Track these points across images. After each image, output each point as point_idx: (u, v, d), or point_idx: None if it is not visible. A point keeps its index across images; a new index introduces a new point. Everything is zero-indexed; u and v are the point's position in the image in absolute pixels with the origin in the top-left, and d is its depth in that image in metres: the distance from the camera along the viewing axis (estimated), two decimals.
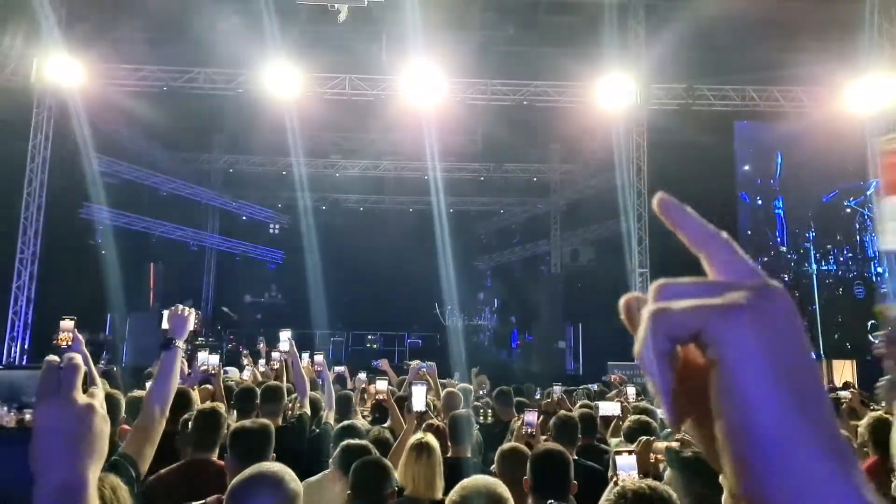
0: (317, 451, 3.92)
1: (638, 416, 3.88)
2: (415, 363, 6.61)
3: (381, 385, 4.38)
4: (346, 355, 15.00)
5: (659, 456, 2.92)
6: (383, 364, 6.96)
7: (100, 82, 13.02)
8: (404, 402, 4.45)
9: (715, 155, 14.91)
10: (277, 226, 17.91)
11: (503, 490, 1.91)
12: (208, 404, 3.51)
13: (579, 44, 14.91)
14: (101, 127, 14.30)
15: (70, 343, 3.23)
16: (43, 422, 0.91)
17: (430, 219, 18.31)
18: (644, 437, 3.09)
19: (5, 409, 1.06)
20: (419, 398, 3.71)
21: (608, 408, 4.45)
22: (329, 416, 4.41)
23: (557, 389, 6.24)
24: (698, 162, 13.26)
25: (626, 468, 2.55)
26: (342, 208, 18.33)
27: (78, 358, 0.97)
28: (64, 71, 12.21)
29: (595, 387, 8.46)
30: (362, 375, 6.16)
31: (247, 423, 2.90)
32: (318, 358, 5.59)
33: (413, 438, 2.96)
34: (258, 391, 4.64)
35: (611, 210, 15.08)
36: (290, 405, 4.61)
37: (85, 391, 0.97)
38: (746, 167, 16.10)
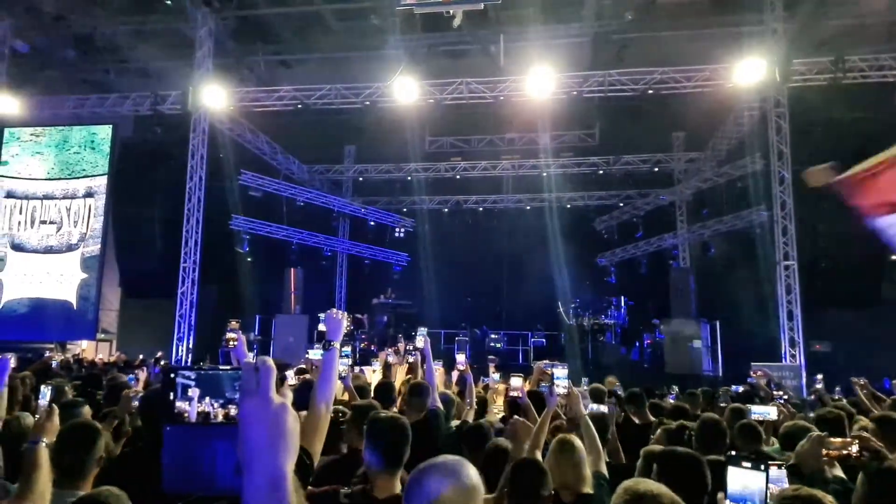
0: (453, 450, 3.97)
1: (795, 421, 3.57)
2: (542, 363, 6.56)
3: (517, 382, 4.27)
4: (469, 355, 15.19)
5: (832, 452, 2.70)
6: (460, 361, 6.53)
7: (243, 105, 14.23)
8: (536, 397, 4.41)
9: (875, 132, 13.37)
10: (402, 229, 18.55)
11: (675, 498, 1.77)
12: (362, 401, 3.65)
13: (705, 24, 14.05)
14: (245, 146, 15.65)
15: (235, 344, 3.57)
16: (247, 419, 1.00)
17: (549, 216, 18.13)
18: (816, 433, 2.86)
19: (214, 404, 1.23)
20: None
21: (762, 411, 4.04)
22: (469, 414, 4.47)
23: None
24: (853, 142, 11.94)
25: (776, 482, 2.37)
26: (463, 209, 18.62)
27: (270, 361, 1.07)
28: (213, 97, 13.47)
29: (739, 388, 7.89)
30: (495, 376, 6.21)
31: (381, 414, 2.96)
32: (461, 358, 5.69)
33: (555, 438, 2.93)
34: (395, 387, 4.84)
35: (746, 198, 14.09)
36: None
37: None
38: None
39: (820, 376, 8.19)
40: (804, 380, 11.27)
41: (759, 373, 9.16)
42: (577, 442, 2.92)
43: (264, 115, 14.73)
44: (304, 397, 2.34)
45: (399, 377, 6.23)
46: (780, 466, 2.49)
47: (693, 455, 2.58)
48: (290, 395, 1.06)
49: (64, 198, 14.69)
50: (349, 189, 19.32)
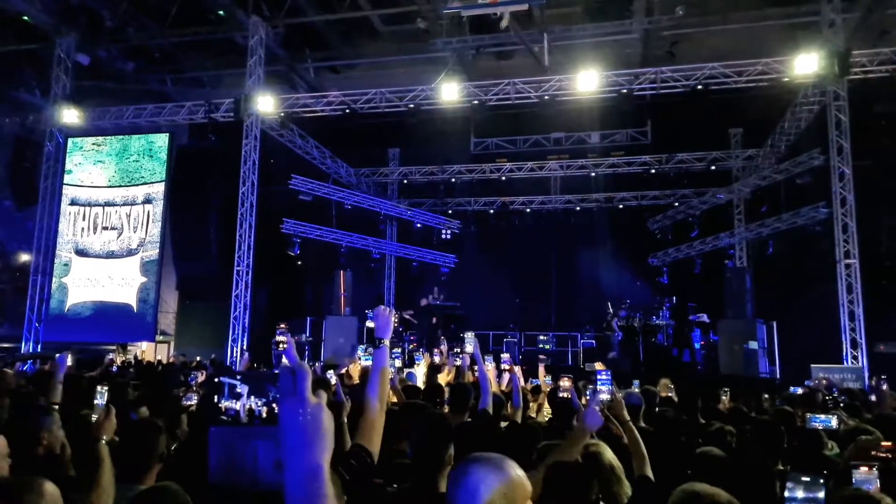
0: (503, 452, 3.93)
1: (857, 424, 3.41)
2: (598, 365, 6.47)
3: (566, 383, 4.11)
4: (518, 356, 15.11)
5: (880, 454, 2.57)
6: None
7: (293, 111, 14.57)
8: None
9: None
10: (449, 231, 18.63)
11: (732, 499, 1.72)
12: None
13: (758, 17, 13.62)
14: (295, 151, 16.02)
15: (286, 347, 3.69)
16: (286, 418, 1.09)
17: (599, 216, 17.88)
18: (863, 437, 2.74)
19: (258, 402, 1.28)
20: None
21: (823, 419, 3.79)
22: (517, 415, 4.44)
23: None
24: None
25: (863, 483, 2.25)
26: (509, 210, 18.57)
27: (306, 365, 1.14)
28: (264, 104, 13.84)
29: (799, 390, 7.59)
30: (547, 378, 6.13)
31: (425, 413, 2.95)
32: (506, 357, 5.68)
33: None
34: (444, 389, 4.88)
35: (806, 196, 13.58)
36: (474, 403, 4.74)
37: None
38: None
39: (884, 377, 7.83)
40: (867, 383, 10.79)
41: (822, 379, 8.80)
42: (605, 456, 2.81)
43: (313, 121, 15.05)
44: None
45: (443, 380, 6.27)
46: (871, 467, 2.33)
47: (710, 455, 2.55)
48: (324, 396, 1.13)
49: (124, 204, 15.35)
50: (394, 192, 19.55)
